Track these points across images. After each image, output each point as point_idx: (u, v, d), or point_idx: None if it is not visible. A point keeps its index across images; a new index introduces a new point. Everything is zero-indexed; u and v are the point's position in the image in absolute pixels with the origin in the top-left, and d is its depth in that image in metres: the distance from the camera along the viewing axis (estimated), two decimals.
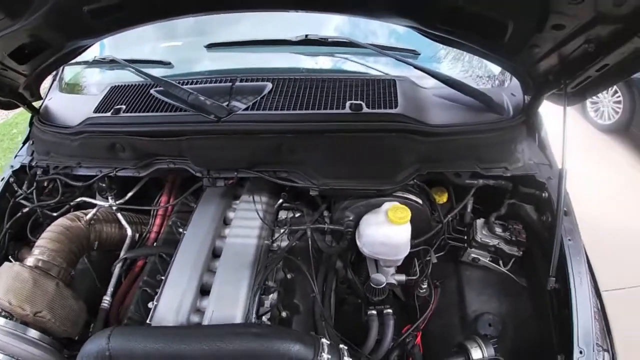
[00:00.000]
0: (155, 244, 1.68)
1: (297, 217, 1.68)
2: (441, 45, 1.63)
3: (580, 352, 1.16)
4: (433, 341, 1.51)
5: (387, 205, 1.39)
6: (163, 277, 1.41)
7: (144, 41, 1.99)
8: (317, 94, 1.51)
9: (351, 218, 1.52)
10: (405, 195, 1.49)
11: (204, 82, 1.64)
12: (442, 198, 1.60)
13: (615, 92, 4.27)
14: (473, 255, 1.59)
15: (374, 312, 1.48)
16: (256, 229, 1.54)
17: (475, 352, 1.26)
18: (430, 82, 1.56)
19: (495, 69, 1.73)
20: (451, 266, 1.67)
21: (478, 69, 1.73)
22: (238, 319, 1.27)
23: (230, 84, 1.60)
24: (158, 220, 1.75)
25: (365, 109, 1.42)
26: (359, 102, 1.45)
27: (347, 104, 1.45)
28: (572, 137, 1.20)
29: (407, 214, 1.32)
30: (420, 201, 1.51)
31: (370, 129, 1.41)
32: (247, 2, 1.26)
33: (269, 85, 1.55)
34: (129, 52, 1.85)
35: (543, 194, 1.48)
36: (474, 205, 1.66)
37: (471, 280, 1.63)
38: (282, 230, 1.59)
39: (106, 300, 1.50)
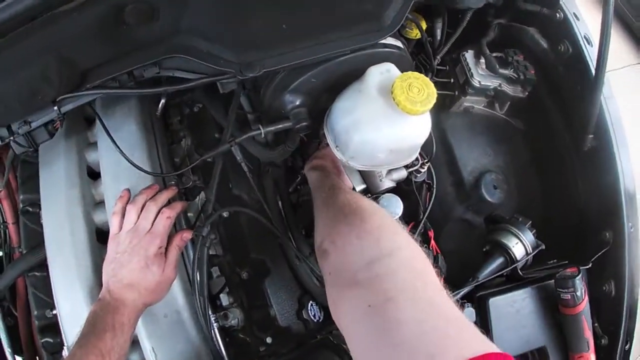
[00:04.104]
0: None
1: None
2: None
3: (631, 227, 0.97)
4: (430, 223, 1.19)
5: (376, 75, 0.76)
6: (55, 312, 0.92)
7: None
8: None
9: (298, 102, 0.88)
10: (383, 41, 0.86)
11: None
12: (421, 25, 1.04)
13: None
14: (467, 104, 1.16)
15: None
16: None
17: (518, 249, 0.97)
18: None
19: None
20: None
21: None
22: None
23: None
24: (6, 205, 1.08)
25: None
26: None
27: None
28: None
29: (431, 90, 0.72)
30: (401, 45, 0.91)
31: None
32: None
33: None
34: None
35: (557, 14, 1.04)
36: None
37: (457, 130, 1.21)
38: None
39: None
